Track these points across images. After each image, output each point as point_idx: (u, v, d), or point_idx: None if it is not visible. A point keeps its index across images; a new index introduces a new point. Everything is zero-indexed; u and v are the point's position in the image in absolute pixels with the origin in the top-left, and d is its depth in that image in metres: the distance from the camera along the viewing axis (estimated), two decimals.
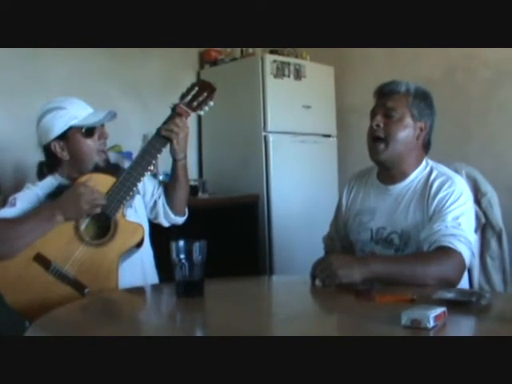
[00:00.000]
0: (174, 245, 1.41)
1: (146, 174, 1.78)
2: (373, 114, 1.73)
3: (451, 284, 1.49)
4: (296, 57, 3.51)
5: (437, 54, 3.24)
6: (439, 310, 1.08)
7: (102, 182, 1.73)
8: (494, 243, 1.81)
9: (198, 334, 1.24)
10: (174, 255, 1.40)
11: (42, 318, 1.27)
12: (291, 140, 3.41)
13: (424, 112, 1.71)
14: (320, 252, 1.90)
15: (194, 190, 3.13)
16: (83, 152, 1.79)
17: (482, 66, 3.17)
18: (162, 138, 1.78)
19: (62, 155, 1.79)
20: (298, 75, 3.45)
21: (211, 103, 1.81)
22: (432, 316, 1.05)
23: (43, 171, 1.87)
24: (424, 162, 1.75)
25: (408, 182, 1.72)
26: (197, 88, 1.79)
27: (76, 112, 1.78)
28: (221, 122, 3.45)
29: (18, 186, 2.77)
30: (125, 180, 1.73)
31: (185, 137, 1.80)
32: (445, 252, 1.52)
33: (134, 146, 2.91)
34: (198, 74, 3.70)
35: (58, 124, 1.76)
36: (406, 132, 1.69)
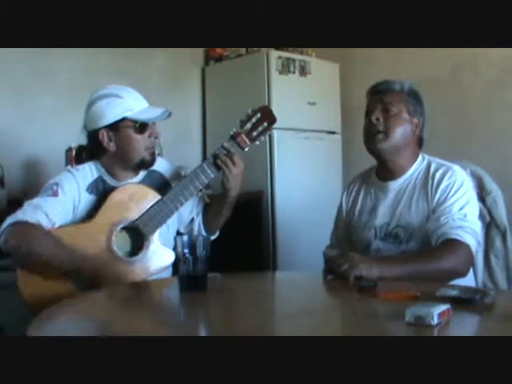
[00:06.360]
0: (178, 239, 1.42)
1: (190, 198, 1.72)
2: (369, 110, 1.75)
3: (460, 276, 1.55)
4: (301, 53, 3.50)
5: (442, 53, 3.22)
6: (443, 307, 1.08)
7: (147, 197, 1.68)
8: (498, 242, 1.82)
9: (200, 329, 1.24)
10: (178, 249, 1.41)
11: (43, 312, 1.26)
12: (296, 136, 3.41)
13: (417, 109, 1.75)
14: (323, 248, 1.89)
15: None
16: (132, 147, 1.69)
17: (488, 64, 3.15)
18: (215, 165, 1.70)
19: (108, 145, 1.69)
20: (304, 72, 3.44)
21: (268, 134, 1.74)
22: (436, 313, 1.05)
23: (82, 156, 1.80)
24: (420, 157, 1.78)
25: (407, 177, 1.74)
26: (258, 115, 1.72)
27: (133, 104, 1.68)
28: (225, 118, 3.43)
29: (23, 181, 2.79)
30: (169, 201, 1.67)
31: (239, 173, 1.70)
32: (453, 245, 1.56)
33: None
34: (203, 71, 3.70)
35: (112, 112, 1.66)
36: (405, 126, 1.72)
